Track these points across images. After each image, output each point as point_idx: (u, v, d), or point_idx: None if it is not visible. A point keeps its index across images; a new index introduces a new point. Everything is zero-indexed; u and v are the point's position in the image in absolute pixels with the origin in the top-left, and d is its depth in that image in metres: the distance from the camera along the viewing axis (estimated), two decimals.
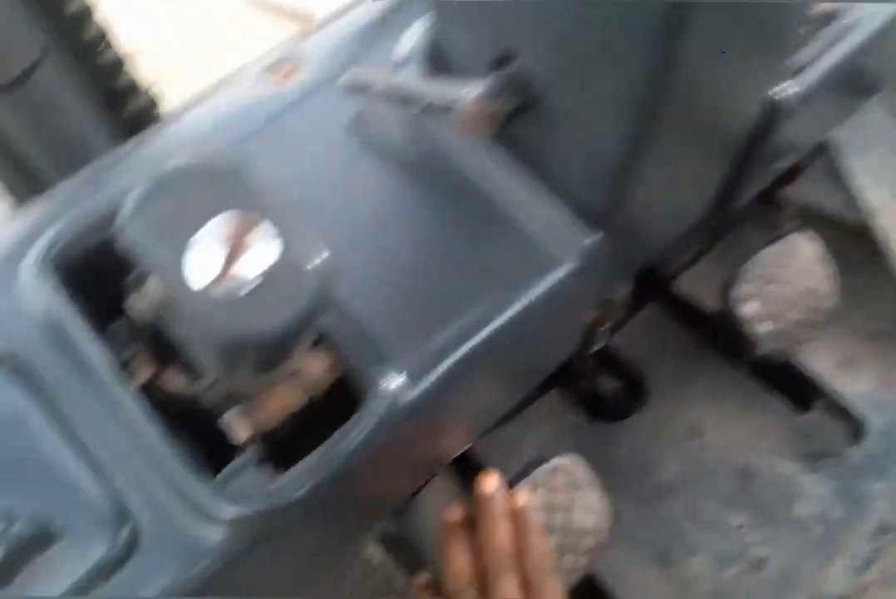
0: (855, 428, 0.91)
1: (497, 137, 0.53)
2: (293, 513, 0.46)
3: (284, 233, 0.29)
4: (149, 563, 0.44)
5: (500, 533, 0.57)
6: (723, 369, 0.93)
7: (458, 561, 0.57)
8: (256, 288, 0.28)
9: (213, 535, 0.45)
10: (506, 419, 0.91)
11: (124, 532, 0.44)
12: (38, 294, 0.48)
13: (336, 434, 0.47)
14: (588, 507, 0.67)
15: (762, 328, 0.82)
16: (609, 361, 0.96)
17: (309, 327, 0.30)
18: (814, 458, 0.88)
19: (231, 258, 0.28)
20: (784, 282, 0.84)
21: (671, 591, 0.81)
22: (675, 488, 0.87)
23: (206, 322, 0.29)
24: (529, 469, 0.68)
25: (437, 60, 0.56)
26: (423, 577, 0.61)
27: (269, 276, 0.29)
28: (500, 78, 0.44)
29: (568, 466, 0.68)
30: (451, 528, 0.59)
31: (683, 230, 0.70)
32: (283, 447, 0.55)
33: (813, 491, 0.87)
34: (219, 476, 0.46)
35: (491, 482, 0.59)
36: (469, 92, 0.43)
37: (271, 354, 0.31)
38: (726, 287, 0.83)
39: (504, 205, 0.55)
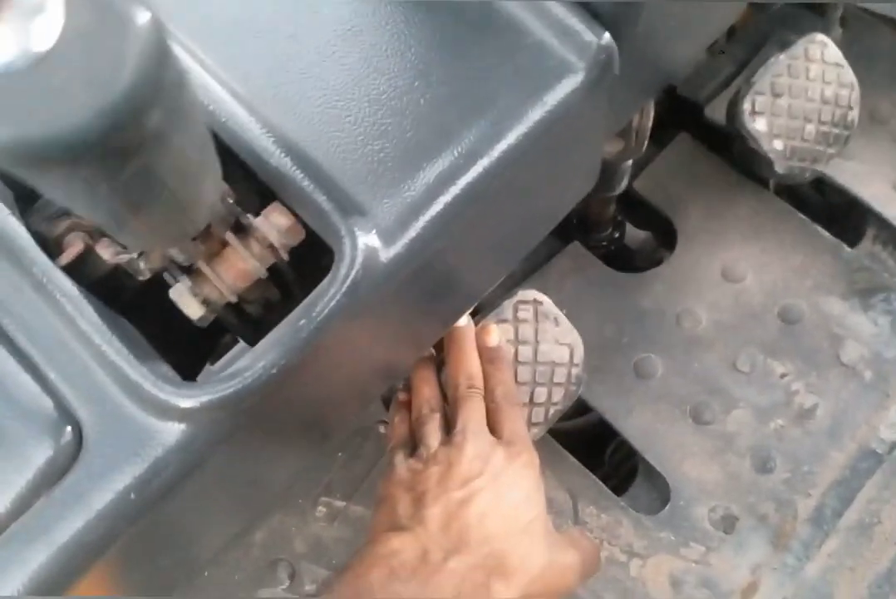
0: None
1: None
2: (263, 398, 0.38)
3: None
4: (97, 466, 0.37)
5: (470, 363, 0.59)
6: (759, 205, 0.83)
7: (426, 389, 0.59)
8: (38, 63, 0.18)
9: (171, 430, 0.38)
10: (520, 277, 0.83)
11: (66, 433, 0.38)
12: None
13: (305, 302, 0.39)
14: (556, 339, 0.67)
15: (776, 146, 0.73)
16: (635, 205, 0.87)
17: (142, 126, 0.20)
18: (865, 294, 0.80)
19: None
20: (797, 93, 0.74)
21: (709, 448, 0.75)
22: (710, 338, 0.79)
23: None
24: (496, 303, 0.67)
25: None
26: (403, 394, 0.62)
27: (58, 47, 0.19)
28: None
29: (533, 299, 0.67)
30: (421, 360, 0.62)
31: (713, 36, 0.58)
32: (254, 324, 0.48)
33: (863, 331, 0.79)
34: (164, 359, 0.39)
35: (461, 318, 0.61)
36: None
37: (107, 178, 0.21)
38: (732, 104, 0.73)
39: (494, 8, 0.44)
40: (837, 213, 0.86)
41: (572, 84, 0.43)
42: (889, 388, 0.77)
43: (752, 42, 0.87)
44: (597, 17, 0.43)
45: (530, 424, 0.66)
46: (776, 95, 0.75)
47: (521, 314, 0.66)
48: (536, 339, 0.66)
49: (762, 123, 0.74)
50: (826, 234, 0.82)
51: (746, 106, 0.74)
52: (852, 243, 0.83)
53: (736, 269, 0.81)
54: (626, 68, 0.46)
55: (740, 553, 0.72)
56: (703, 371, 0.78)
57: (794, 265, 0.81)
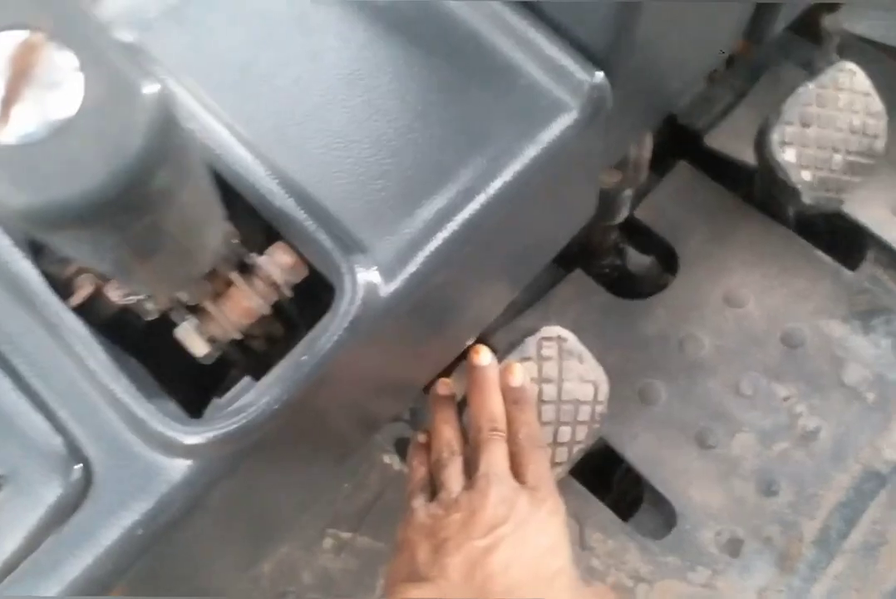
0: None
1: None
2: (266, 433, 0.39)
3: (92, 60, 0.20)
4: (106, 503, 0.38)
5: (493, 404, 0.57)
6: (760, 231, 0.84)
7: (447, 431, 0.57)
8: (57, 134, 0.20)
9: (177, 467, 0.39)
10: (524, 306, 0.84)
11: (75, 471, 0.38)
12: None
13: (307, 337, 0.40)
14: (580, 377, 0.65)
15: (805, 177, 0.73)
16: (637, 232, 0.88)
17: (152, 186, 0.21)
18: (866, 316, 0.80)
19: (10, 95, 0.20)
20: (826, 123, 0.74)
21: (714, 472, 0.75)
22: (713, 363, 0.80)
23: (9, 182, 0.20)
24: (518, 341, 0.66)
25: None
26: (422, 436, 0.59)
27: (76, 118, 0.20)
28: None
29: (557, 336, 0.66)
30: (442, 400, 0.59)
31: (708, 69, 0.59)
32: (259, 358, 0.49)
33: (865, 353, 0.79)
34: (172, 394, 0.40)
35: (484, 355, 0.59)
36: None
37: (116, 230, 0.23)
38: (761, 134, 0.73)
39: (490, 50, 0.45)
40: (838, 237, 0.87)
41: (566, 122, 0.44)
42: (892, 409, 0.77)
43: (750, 71, 0.88)
44: (590, 56, 0.45)
45: (553, 464, 0.65)
46: (805, 125, 0.74)
47: (544, 352, 0.65)
48: (561, 377, 0.65)
49: (791, 154, 0.74)
50: (826, 258, 0.83)
51: (775, 137, 0.74)
52: (853, 266, 0.84)
53: (738, 294, 0.82)
54: (621, 104, 0.47)
55: (746, 576, 0.72)
56: (706, 396, 0.78)
57: (796, 290, 0.81)
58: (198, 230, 0.28)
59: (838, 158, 0.75)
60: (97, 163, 0.20)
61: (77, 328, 0.39)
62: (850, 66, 0.77)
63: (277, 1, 0.46)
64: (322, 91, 0.45)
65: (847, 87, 0.76)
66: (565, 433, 0.65)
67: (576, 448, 0.66)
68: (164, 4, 0.46)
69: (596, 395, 0.66)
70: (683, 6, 0.47)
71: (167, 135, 0.21)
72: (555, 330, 0.67)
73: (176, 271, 0.31)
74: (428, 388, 0.62)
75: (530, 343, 0.65)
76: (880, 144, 0.77)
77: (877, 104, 0.77)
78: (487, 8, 0.45)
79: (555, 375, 0.65)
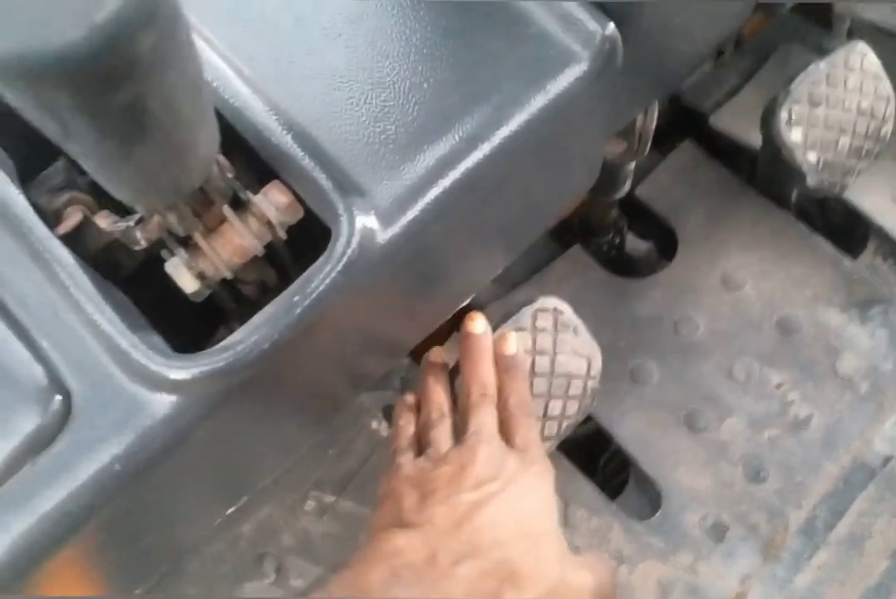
0: None
1: None
2: (254, 374, 0.38)
3: None
4: (85, 436, 0.37)
5: (485, 371, 0.56)
6: (761, 215, 0.83)
7: (437, 395, 0.57)
8: None
9: (160, 402, 0.38)
10: (521, 280, 0.83)
11: (55, 402, 0.37)
12: None
13: (300, 278, 0.39)
14: (574, 350, 0.64)
15: (810, 158, 0.72)
16: (637, 213, 0.87)
17: (134, 49, 0.20)
18: (863, 306, 0.79)
19: None
20: (835, 103, 0.73)
21: (702, 456, 0.74)
22: (707, 346, 0.79)
23: None
24: (513, 311, 0.64)
25: None
26: (410, 396, 0.59)
27: None
28: None
29: (553, 307, 0.64)
30: (434, 366, 0.59)
31: (719, 37, 0.59)
32: (251, 307, 0.48)
33: (861, 343, 0.78)
34: (158, 332, 0.39)
35: (479, 323, 0.59)
36: None
37: (113, 106, 0.21)
38: (769, 111, 0.72)
39: None
40: (840, 224, 0.86)
41: (576, 73, 0.43)
42: (885, 401, 0.76)
43: (758, 53, 0.87)
44: (602, 8, 0.44)
45: (542, 438, 0.63)
46: (813, 105, 0.73)
47: (539, 323, 0.64)
48: (554, 350, 0.63)
49: (798, 134, 0.72)
50: (827, 245, 0.82)
51: (783, 115, 0.72)
52: (855, 255, 0.83)
53: (735, 277, 0.81)
54: (630, 62, 0.46)
55: (729, 562, 0.71)
56: (698, 379, 0.78)
57: (794, 275, 0.81)
58: (187, 126, 0.27)
59: (845, 140, 0.74)
60: (77, 14, 0.19)
61: (63, 256, 0.38)
62: (862, 46, 0.75)
63: None
64: (325, 30, 0.44)
65: (857, 67, 0.74)
66: (556, 406, 0.64)
67: (565, 423, 0.65)
68: None
69: (589, 370, 0.65)
70: None
71: None
72: (551, 302, 0.65)
73: (164, 175, 0.30)
74: (419, 358, 0.61)
75: (526, 314, 0.64)
76: (888, 129, 0.76)
77: (886, 88, 0.76)
78: None
79: (549, 347, 0.63)
